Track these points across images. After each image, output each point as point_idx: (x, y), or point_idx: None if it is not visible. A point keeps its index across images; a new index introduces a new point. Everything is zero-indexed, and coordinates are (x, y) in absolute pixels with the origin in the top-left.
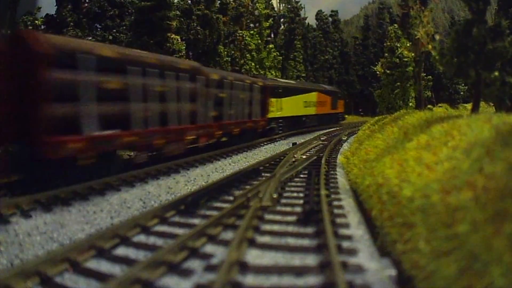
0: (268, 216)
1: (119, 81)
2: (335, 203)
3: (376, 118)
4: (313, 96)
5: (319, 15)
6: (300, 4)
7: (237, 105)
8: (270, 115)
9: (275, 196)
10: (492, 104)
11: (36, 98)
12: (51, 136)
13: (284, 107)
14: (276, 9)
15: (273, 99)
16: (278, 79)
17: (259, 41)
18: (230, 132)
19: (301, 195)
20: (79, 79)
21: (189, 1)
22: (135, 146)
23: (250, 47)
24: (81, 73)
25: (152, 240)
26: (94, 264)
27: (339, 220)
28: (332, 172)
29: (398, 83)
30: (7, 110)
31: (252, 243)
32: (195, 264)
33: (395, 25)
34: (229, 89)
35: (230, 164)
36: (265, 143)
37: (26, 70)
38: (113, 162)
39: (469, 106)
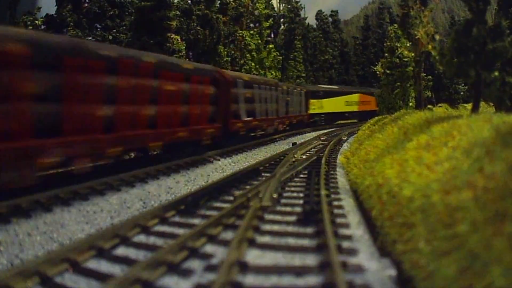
0: (268, 216)
1: (250, 92)
2: (335, 203)
3: (376, 118)
4: (355, 97)
5: (319, 15)
6: (300, 4)
7: (294, 105)
8: (312, 111)
9: (275, 196)
10: (492, 104)
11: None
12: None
13: (324, 106)
14: (276, 9)
15: (313, 100)
16: (321, 86)
17: (259, 41)
18: (292, 122)
19: (301, 195)
20: (239, 92)
21: (189, 1)
22: (256, 127)
23: (250, 47)
24: (239, 89)
25: (152, 240)
26: (94, 264)
27: (339, 220)
28: (332, 172)
29: (398, 83)
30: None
31: (252, 243)
32: (195, 264)
33: (395, 25)
34: (291, 94)
35: (230, 164)
36: (265, 143)
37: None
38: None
39: (469, 106)
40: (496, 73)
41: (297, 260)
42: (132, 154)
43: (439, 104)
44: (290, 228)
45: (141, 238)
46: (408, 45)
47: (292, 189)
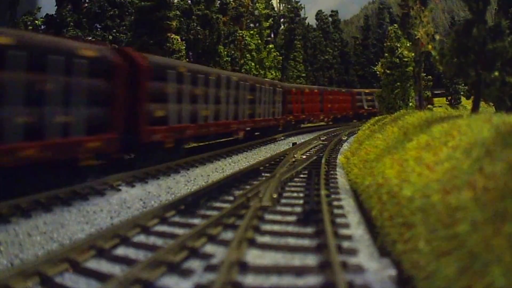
0: (268, 216)
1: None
2: (335, 203)
3: (376, 118)
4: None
5: (319, 15)
6: (300, 4)
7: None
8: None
9: (275, 196)
10: (492, 104)
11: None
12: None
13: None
14: (276, 9)
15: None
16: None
17: (259, 41)
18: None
19: (301, 195)
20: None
21: (189, 1)
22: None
23: (250, 47)
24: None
25: (152, 240)
26: (94, 264)
27: (339, 220)
28: (332, 172)
29: (398, 83)
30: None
31: (252, 243)
32: (195, 264)
33: (395, 25)
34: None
35: (230, 164)
36: (265, 143)
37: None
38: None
39: (469, 106)
40: (496, 73)
41: (297, 260)
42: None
43: (439, 104)
44: (290, 228)
45: (141, 238)
46: (408, 45)
47: (292, 189)
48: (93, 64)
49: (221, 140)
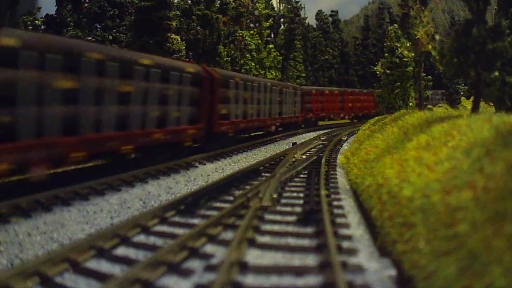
0: (268, 216)
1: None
2: (335, 203)
3: (376, 118)
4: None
5: (319, 15)
6: (300, 4)
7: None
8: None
9: (275, 196)
10: (492, 104)
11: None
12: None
13: None
14: (276, 9)
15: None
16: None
17: (259, 41)
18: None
19: (301, 195)
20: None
21: (189, 1)
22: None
23: (250, 47)
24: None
25: (152, 240)
26: (94, 264)
27: (339, 220)
28: (332, 172)
29: (398, 83)
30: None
31: (252, 243)
32: (195, 264)
33: (395, 25)
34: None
35: (230, 164)
36: (265, 143)
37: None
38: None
39: (469, 106)
40: (496, 73)
41: (297, 260)
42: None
43: (439, 104)
44: (290, 228)
45: (141, 238)
46: (408, 45)
47: (292, 189)
48: (193, 77)
49: (259, 133)
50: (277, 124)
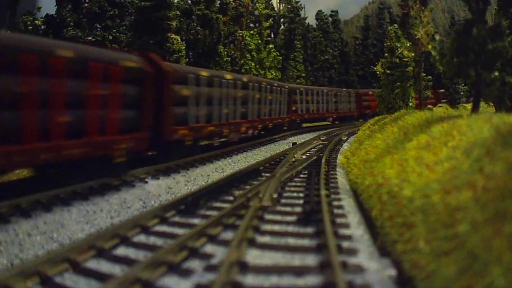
0: (268, 216)
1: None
2: (335, 203)
3: (376, 118)
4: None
5: (319, 15)
6: (300, 4)
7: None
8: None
9: (275, 196)
10: (492, 104)
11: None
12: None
13: None
14: (276, 9)
15: None
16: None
17: (259, 41)
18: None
19: (301, 195)
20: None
21: (189, 1)
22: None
23: (250, 47)
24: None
25: (152, 240)
26: (94, 264)
27: (339, 220)
28: (332, 172)
29: (398, 83)
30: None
31: (252, 243)
32: (195, 264)
33: (395, 25)
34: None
35: (230, 164)
36: (265, 143)
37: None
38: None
39: (469, 106)
40: (496, 73)
41: (297, 260)
42: None
43: (439, 104)
44: (290, 228)
45: (141, 238)
46: (408, 45)
47: (292, 189)
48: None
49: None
50: (334, 116)
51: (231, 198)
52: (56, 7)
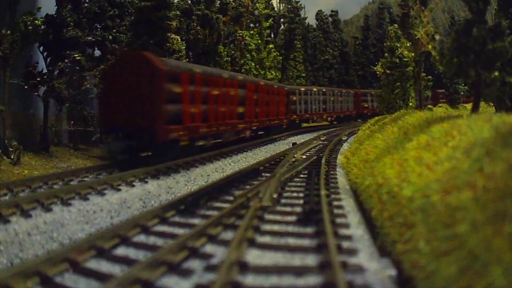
0: (268, 216)
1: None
2: (335, 203)
3: (376, 118)
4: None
5: (319, 15)
6: (300, 4)
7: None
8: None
9: (275, 196)
10: (492, 104)
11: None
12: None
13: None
14: (276, 9)
15: None
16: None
17: (259, 41)
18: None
19: (301, 195)
20: None
21: (189, 1)
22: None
23: (250, 47)
24: None
25: (152, 240)
26: (94, 264)
27: (339, 220)
28: (332, 172)
29: (398, 83)
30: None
31: (252, 243)
32: (195, 264)
33: (395, 25)
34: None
35: (230, 164)
36: (265, 143)
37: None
38: None
39: (469, 106)
40: (496, 73)
41: (297, 260)
42: None
43: (439, 104)
44: (290, 228)
45: (141, 238)
46: (408, 45)
47: (292, 189)
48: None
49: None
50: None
51: (231, 198)
52: (56, 7)
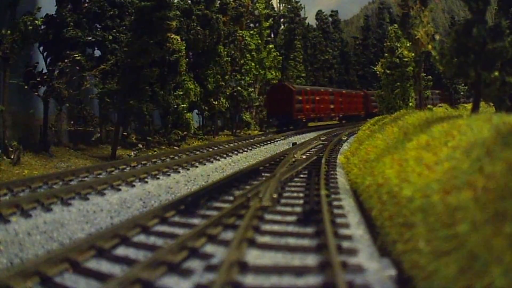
0: (268, 216)
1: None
2: (335, 203)
3: (376, 118)
4: None
5: (319, 15)
6: (300, 4)
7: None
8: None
9: (275, 196)
10: (492, 104)
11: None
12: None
13: None
14: (276, 9)
15: None
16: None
17: (259, 41)
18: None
19: (301, 195)
20: None
21: (189, 1)
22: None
23: (250, 47)
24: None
25: (152, 240)
26: (94, 264)
27: (339, 220)
28: (332, 172)
29: (398, 83)
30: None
31: (252, 243)
32: (195, 264)
33: (395, 25)
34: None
35: (230, 164)
36: (266, 143)
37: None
38: None
39: (468, 106)
40: (496, 73)
41: (297, 260)
42: None
43: (439, 104)
44: (290, 228)
45: (141, 238)
46: (408, 45)
47: (292, 189)
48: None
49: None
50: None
51: (231, 198)
52: (56, 7)
